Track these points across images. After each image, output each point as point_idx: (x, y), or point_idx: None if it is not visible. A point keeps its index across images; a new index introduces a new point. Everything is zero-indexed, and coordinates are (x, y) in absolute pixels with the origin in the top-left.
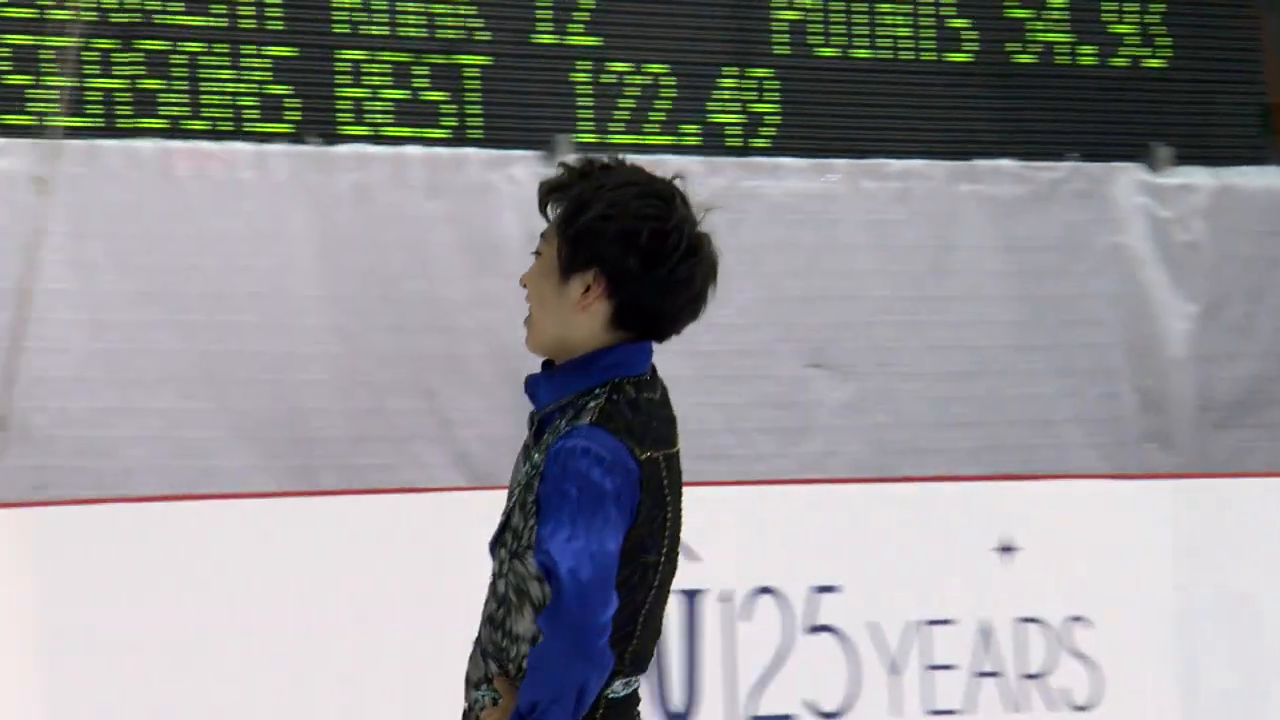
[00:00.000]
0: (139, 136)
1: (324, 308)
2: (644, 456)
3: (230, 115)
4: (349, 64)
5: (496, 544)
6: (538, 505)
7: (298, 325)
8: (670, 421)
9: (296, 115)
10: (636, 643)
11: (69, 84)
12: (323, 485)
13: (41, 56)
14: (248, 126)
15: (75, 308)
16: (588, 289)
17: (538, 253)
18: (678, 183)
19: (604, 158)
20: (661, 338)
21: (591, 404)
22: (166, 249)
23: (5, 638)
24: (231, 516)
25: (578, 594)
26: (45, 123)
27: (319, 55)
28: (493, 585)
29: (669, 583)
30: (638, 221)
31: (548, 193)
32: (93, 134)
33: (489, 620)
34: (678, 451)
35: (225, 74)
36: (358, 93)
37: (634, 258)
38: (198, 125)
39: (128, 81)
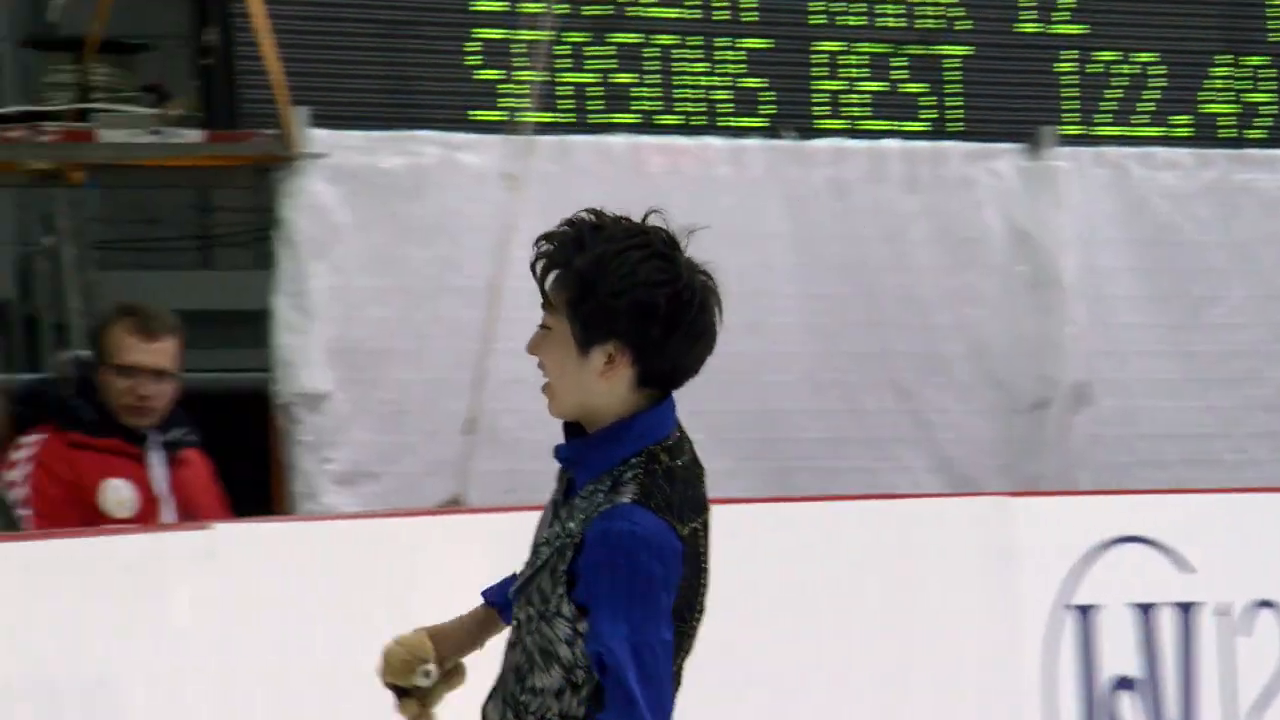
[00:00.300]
0: (611, 131)
1: (799, 306)
2: (685, 532)
3: (704, 109)
4: (825, 55)
5: (520, 595)
6: (569, 576)
7: (773, 324)
8: (700, 478)
9: (771, 109)
10: None
11: (540, 79)
12: (799, 489)
13: (513, 51)
14: (721, 121)
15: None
16: (609, 358)
17: (545, 326)
18: (655, 219)
19: (586, 215)
20: (680, 385)
21: (629, 475)
22: None
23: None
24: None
25: (646, 691)
26: (516, 118)
27: (794, 47)
28: (518, 636)
29: (698, 634)
30: (651, 290)
31: (545, 268)
32: (564, 129)
33: (515, 670)
34: (710, 514)
35: (699, 67)
36: (834, 85)
37: (655, 327)
38: (670, 120)
39: (599, 75)
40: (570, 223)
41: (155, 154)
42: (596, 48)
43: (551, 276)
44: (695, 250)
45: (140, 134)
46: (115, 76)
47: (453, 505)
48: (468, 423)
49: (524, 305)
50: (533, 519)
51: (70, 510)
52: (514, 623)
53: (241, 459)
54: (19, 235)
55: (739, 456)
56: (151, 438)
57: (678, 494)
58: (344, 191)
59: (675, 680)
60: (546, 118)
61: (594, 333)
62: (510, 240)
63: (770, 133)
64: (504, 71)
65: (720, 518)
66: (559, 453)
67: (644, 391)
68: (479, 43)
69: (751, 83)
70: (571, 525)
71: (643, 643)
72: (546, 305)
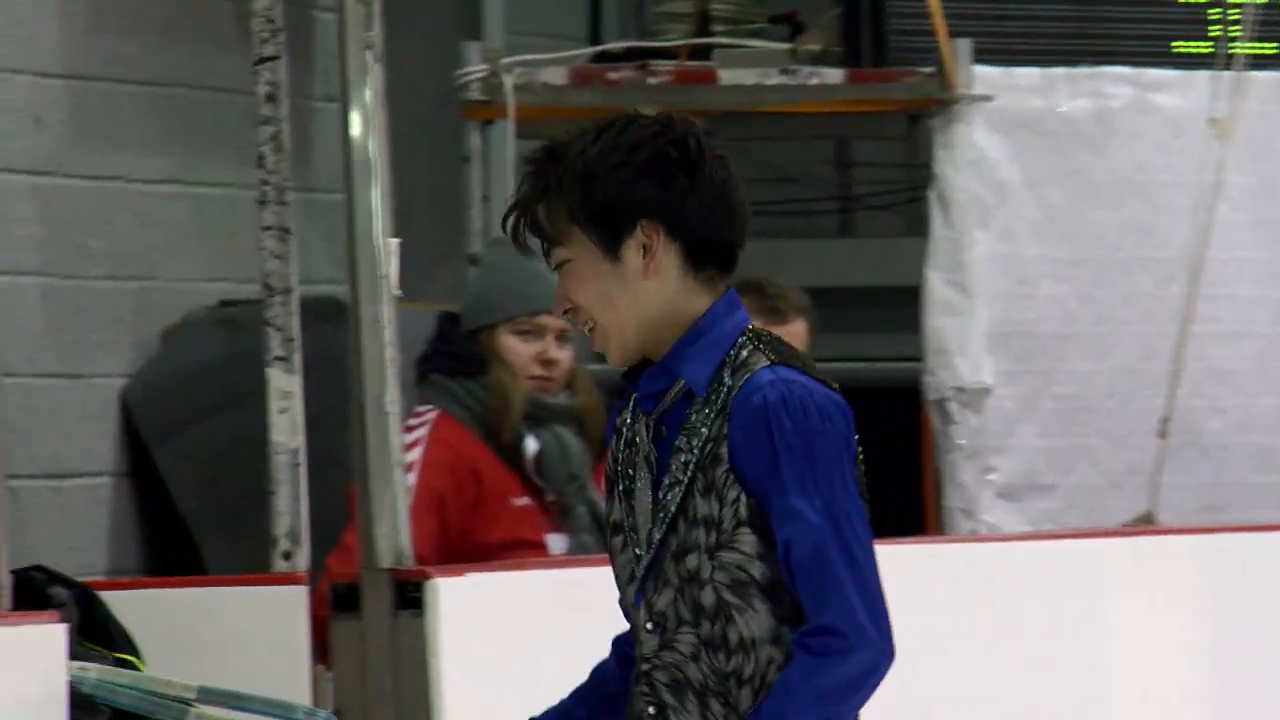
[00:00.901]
0: None
1: None
2: (837, 388)
3: None
4: None
5: (654, 573)
6: (737, 474)
7: None
8: None
9: None
10: None
11: (1256, 1)
12: None
13: None
14: None
15: (1259, 282)
16: (645, 246)
17: (559, 265)
18: None
19: (542, 146)
20: (731, 266)
21: (745, 353)
22: None
23: (1175, 688)
24: None
25: (853, 569)
26: (1227, 50)
27: None
28: (668, 617)
29: None
30: (651, 143)
31: (521, 210)
32: None
33: (704, 650)
34: None
35: None
36: None
37: (675, 180)
38: None
39: None
40: (529, 160)
41: (787, 98)
42: None
43: (540, 209)
44: None
45: (770, 74)
46: (740, 5)
47: (1143, 524)
48: (1162, 424)
49: (1231, 279)
50: (1238, 541)
51: None
52: (651, 626)
53: (885, 465)
54: None
55: None
56: None
57: (806, 360)
58: (1014, 142)
59: None
60: (1267, 48)
61: (616, 223)
62: (1216, 200)
63: None
64: None
65: None
66: (645, 387)
67: (699, 277)
68: None
69: None
70: (704, 431)
71: (840, 511)
72: (552, 244)
